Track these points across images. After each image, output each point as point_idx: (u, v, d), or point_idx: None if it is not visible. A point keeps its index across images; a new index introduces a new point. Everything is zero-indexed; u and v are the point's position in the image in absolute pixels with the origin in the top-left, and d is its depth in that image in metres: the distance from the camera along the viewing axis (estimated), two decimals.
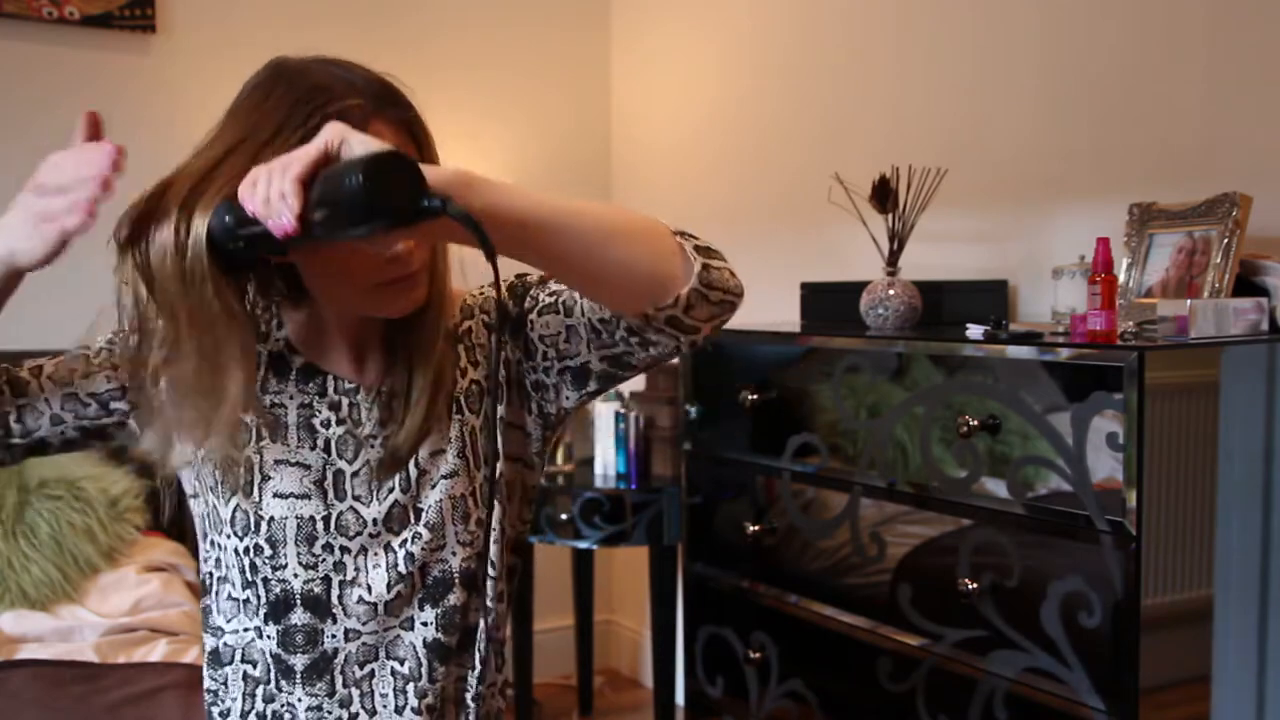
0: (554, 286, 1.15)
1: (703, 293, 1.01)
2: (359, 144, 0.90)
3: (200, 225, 0.95)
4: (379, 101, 1.06)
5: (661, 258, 1.00)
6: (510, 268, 0.98)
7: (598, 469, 3.09)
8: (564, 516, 2.90)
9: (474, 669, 1.16)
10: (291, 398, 1.14)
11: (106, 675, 2.18)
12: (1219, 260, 1.83)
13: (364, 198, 0.85)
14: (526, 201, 0.94)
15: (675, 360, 1.11)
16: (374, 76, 1.08)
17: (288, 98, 1.03)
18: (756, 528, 2.20)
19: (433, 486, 1.14)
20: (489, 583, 1.15)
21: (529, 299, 1.16)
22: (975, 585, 1.77)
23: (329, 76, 1.05)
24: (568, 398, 1.16)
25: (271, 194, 0.90)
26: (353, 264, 1.05)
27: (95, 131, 1.01)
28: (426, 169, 0.89)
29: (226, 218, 0.95)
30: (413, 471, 1.14)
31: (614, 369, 1.12)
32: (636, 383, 3.16)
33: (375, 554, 1.12)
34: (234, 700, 1.15)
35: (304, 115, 1.01)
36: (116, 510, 2.56)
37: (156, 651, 2.29)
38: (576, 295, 1.11)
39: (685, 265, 1.01)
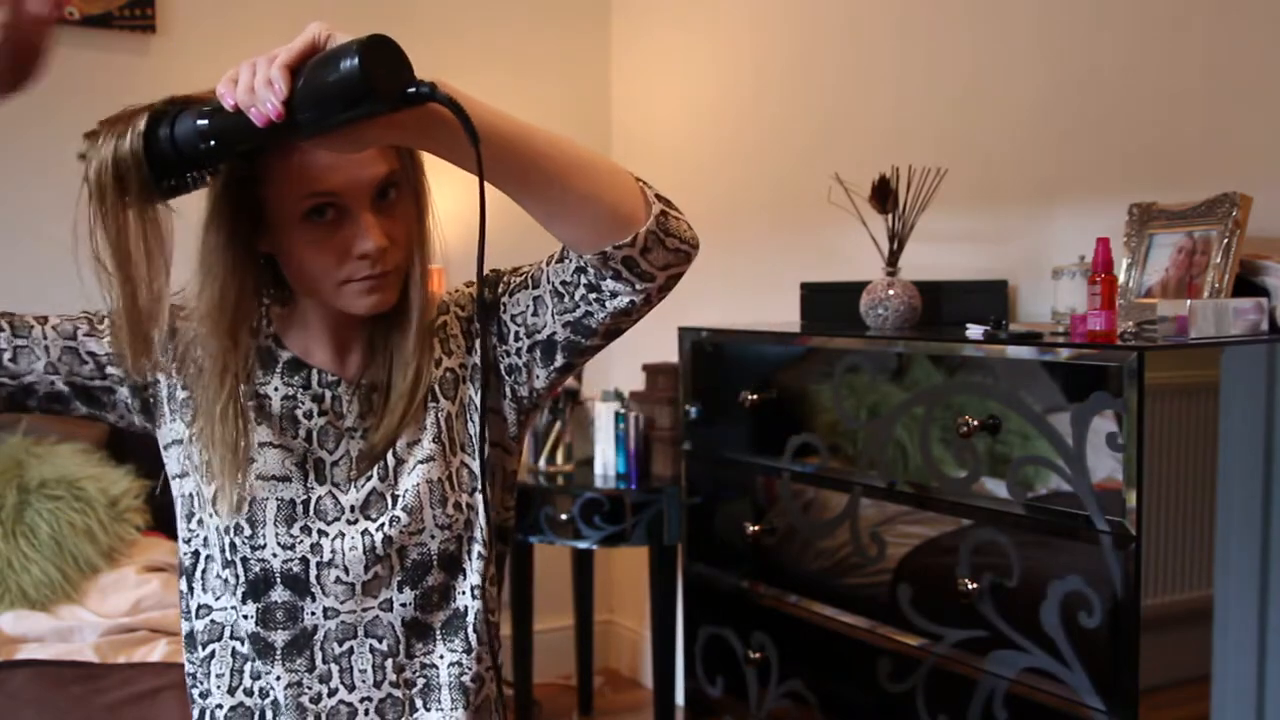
0: (522, 268, 1.19)
1: (660, 236, 1.05)
2: (344, 36, 0.92)
3: (141, 128, 0.98)
4: None
5: (623, 194, 1.04)
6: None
7: (598, 469, 3.08)
8: (564, 516, 2.90)
9: (470, 651, 1.18)
10: (276, 389, 1.17)
11: (106, 675, 2.18)
12: (1219, 260, 1.83)
13: (360, 77, 0.86)
14: (500, 117, 0.98)
15: (634, 319, 1.14)
16: None
17: None
18: (756, 528, 2.20)
19: (409, 472, 1.16)
20: (480, 562, 1.18)
21: (500, 284, 1.20)
22: (975, 585, 1.77)
23: None
24: (538, 377, 1.19)
25: (257, 82, 0.91)
26: (320, 263, 1.09)
27: None
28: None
29: (198, 121, 0.95)
30: (390, 461, 1.17)
31: (577, 336, 1.14)
32: (637, 383, 3.16)
33: (352, 538, 1.14)
34: (219, 677, 1.17)
35: None
36: (116, 510, 2.56)
37: (156, 652, 2.29)
38: (542, 266, 1.15)
39: (645, 206, 1.05)
